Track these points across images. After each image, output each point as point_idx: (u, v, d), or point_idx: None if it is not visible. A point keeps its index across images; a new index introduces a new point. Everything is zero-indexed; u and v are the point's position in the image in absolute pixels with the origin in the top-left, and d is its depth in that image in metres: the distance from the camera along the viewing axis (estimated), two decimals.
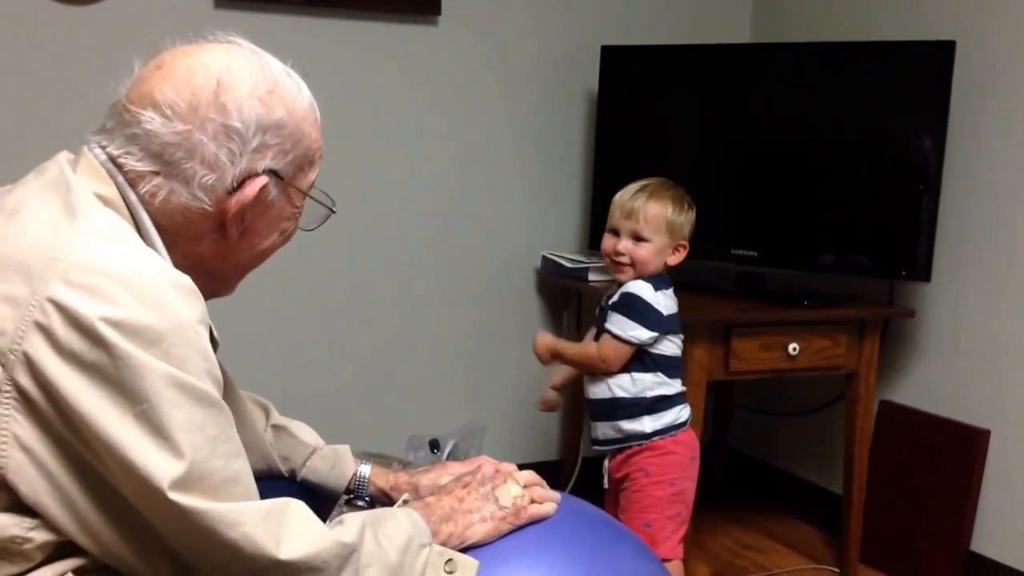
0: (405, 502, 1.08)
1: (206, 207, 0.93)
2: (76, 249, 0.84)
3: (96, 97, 2.26)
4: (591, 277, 2.40)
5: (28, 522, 0.85)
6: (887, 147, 2.18)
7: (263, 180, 0.94)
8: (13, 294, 0.82)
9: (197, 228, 0.94)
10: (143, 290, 0.83)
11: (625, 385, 1.79)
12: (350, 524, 0.95)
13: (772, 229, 2.32)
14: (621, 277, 1.80)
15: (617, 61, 2.46)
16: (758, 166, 2.34)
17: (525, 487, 1.10)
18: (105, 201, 0.91)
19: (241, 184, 0.93)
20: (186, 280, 0.88)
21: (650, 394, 1.78)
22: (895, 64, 2.16)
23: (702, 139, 2.42)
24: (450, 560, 0.98)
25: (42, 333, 0.81)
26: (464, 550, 1.02)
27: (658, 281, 1.79)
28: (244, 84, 0.93)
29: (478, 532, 1.03)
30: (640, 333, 1.75)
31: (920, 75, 2.13)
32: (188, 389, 0.84)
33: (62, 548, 0.87)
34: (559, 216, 2.62)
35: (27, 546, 0.85)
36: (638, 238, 1.78)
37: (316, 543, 0.89)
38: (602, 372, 1.79)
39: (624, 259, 1.79)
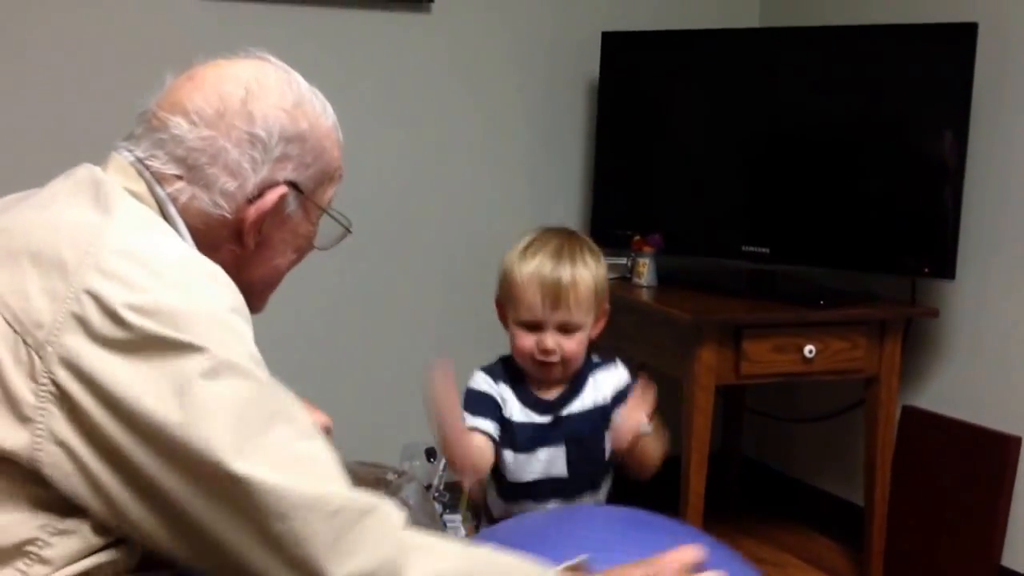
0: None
1: (225, 214, 0.96)
2: (110, 240, 0.87)
3: (80, 91, 2.24)
4: None
5: (55, 526, 0.84)
6: (906, 136, 2.12)
7: (283, 190, 0.98)
8: (50, 288, 0.84)
9: (215, 236, 0.97)
10: (174, 277, 0.86)
11: None
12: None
13: (785, 224, 2.25)
14: (549, 377, 1.43)
15: (618, 48, 2.41)
16: (768, 158, 2.28)
17: None
18: (135, 196, 0.94)
19: (261, 193, 0.97)
20: (218, 269, 0.91)
21: None
22: (913, 48, 2.10)
23: (709, 130, 2.36)
24: None
25: (79, 323, 0.82)
26: None
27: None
28: (271, 95, 0.98)
29: None
30: None
31: (940, 60, 2.06)
32: (224, 367, 0.83)
33: (82, 558, 0.86)
34: (559, 208, 2.57)
35: (46, 551, 0.84)
36: (566, 328, 1.39)
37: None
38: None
39: (554, 358, 1.40)
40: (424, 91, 2.39)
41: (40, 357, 0.82)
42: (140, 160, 0.96)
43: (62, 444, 0.82)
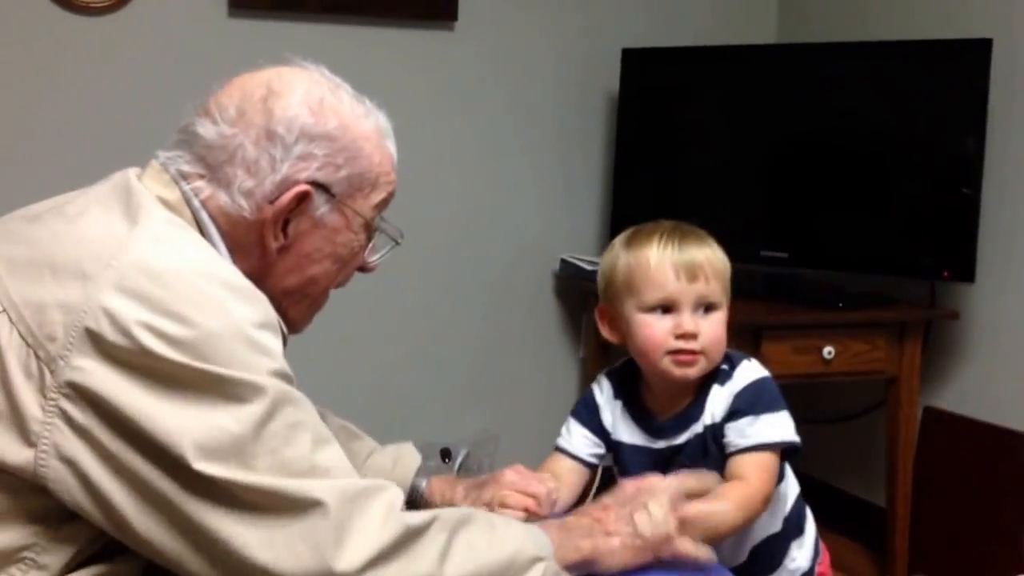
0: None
1: (245, 215, 0.93)
2: (132, 255, 0.84)
3: (112, 105, 2.29)
4: None
5: (52, 533, 0.84)
6: (924, 145, 2.13)
7: (303, 188, 0.93)
8: (67, 300, 0.82)
9: (242, 238, 0.94)
10: (196, 295, 0.83)
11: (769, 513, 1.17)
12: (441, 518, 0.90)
13: (803, 229, 2.27)
14: (689, 373, 1.15)
15: (638, 63, 2.45)
16: (786, 170, 2.31)
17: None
18: (169, 205, 0.92)
19: (281, 194, 0.93)
20: (244, 282, 0.88)
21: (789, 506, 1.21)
22: (929, 63, 2.13)
23: (726, 143, 2.38)
24: None
25: (91, 339, 0.80)
26: None
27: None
28: (295, 93, 0.94)
29: (617, 557, 0.97)
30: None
31: (956, 74, 2.09)
32: (243, 390, 0.82)
33: (81, 564, 0.86)
34: (578, 219, 2.60)
35: (43, 557, 0.84)
36: (707, 306, 1.15)
37: (379, 537, 0.84)
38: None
39: (695, 344, 1.14)
40: (446, 107, 2.42)
41: (51, 372, 0.81)
42: (167, 160, 0.95)
43: (67, 460, 0.81)
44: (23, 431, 0.80)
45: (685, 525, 1.01)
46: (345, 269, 1.02)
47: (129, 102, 2.14)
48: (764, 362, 2.05)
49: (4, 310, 0.84)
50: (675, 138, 2.44)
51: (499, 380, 2.56)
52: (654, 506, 0.99)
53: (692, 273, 1.13)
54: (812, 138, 2.26)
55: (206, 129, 0.93)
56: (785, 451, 1.14)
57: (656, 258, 1.15)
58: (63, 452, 0.80)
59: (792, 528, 1.21)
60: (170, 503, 0.81)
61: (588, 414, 1.24)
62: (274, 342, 0.86)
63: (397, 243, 1.05)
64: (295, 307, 1.01)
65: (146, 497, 0.81)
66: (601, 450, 1.23)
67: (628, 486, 1.03)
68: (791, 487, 1.22)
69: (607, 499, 1.02)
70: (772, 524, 1.18)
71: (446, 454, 2.34)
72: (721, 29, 2.62)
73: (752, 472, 1.09)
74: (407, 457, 1.21)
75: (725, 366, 1.17)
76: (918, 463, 2.21)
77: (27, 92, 2.08)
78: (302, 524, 0.81)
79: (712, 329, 1.14)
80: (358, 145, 0.97)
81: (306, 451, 0.84)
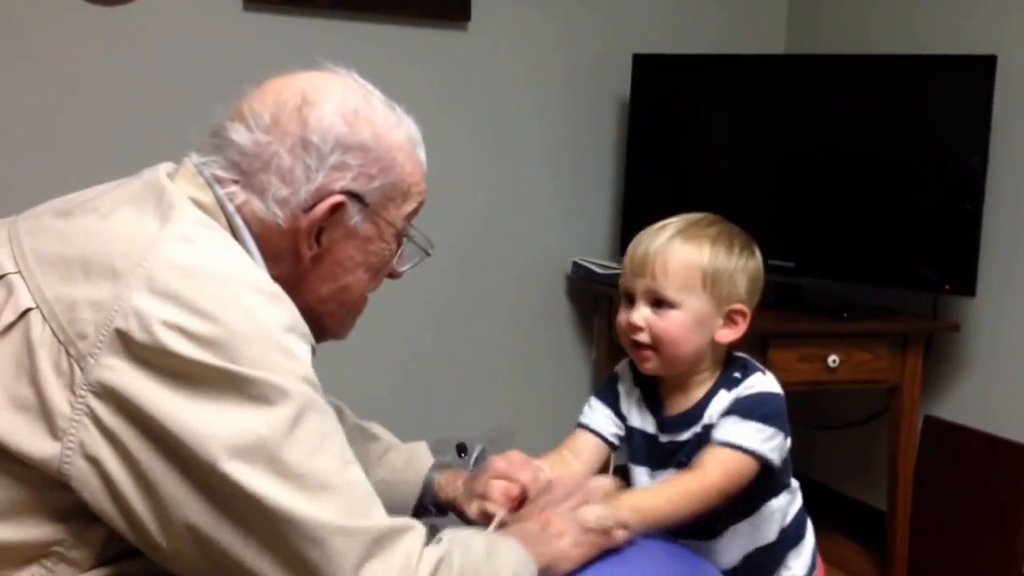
0: (502, 524, 1.02)
1: (279, 222, 0.92)
2: (162, 253, 0.84)
3: (126, 96, 2.26)
4: None
5: (81, 531, 0.83)
6: (928, 159, 2.15)
7: (337, 199, 0.93)
8: (98, 298, 0.82)
9: (275, 245, 0.94)
10: (225, 296, 0.82)
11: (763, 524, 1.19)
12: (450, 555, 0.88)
13: (810, 240, 2.29)
14: (646, 367, 1.16)
15: (649, 69, 2.45)
16: (794, 179, 2.32)
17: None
18: (203, 208, 0.91)
19: (317, 203, 0.93)
20: (273, 286, 0.87)
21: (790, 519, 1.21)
22: (934, 78, 2.15)
23: (736, 149, 2.40)
24: None
25: (121, 340, 0.80)
26: None
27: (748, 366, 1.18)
28: (330, 101, 0.94)
29: (571, 555, 0.98)
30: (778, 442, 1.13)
31: (961, 89, 2.11)
32: (270, 393, 0.81)
33: (108, 560, 0.86)
34: (590, 222, 2.61)
35: (72, 552, 0.84)
36: (658, 302, 1.13)
37: None
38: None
39: (643, 336, 1.13)
40: (458, 107, 2.41)
41: (81, 369, 0.80)
42: (201, 164, 0.94)
43: (92, 459, 0.80)
44: (51, 426, 0.80)
45: (620, 515, 1.02)
46: (376, 277, 1.02)
47: (143, 93, 2.11)
48: (771, 369, 2.08)
49: (36, 306, 0.83)
50: (685, 144, 2.45)
51: (513, 379, 2.56)
52: (597, 500, 1.01)
53: (641, 266, 1.13)
54: (818, 148, 2.28)
55: (240, 135, 0.93)
56: (768, 468, 1.11)
57: (631, 247, 1.16)
58: (88, 451, 0.80)
59: (789, 540, 1.21)
60: (188, 509, 0.80)
61: (611, 396, 1.24)
62: (302, 348, 0.86)
63: (428, 254, 1.05)
64: (331, 316, 1.01)
65: (165, 502, 0.80)
66: (621, 432, 1.23)
67: (559, 486, 1.05)
68: (794, 503, 1.22)
69: (542, 502, 1.03)
70: (767, 533, 1.19)
71: (462, 449, 2.33)
72: (731, 38, 2.64)
73: (711, 465, 1.08)
74: (420, 456, 1.23)
75: (737, 373, 1.16)
76: (918, 469, 2.24)
77: (41, 82, 2.05)
78: (321, 551, 0.80)
79: (661, 326, 1.12)
80: (391, 155, 0.97)
81: (333, 465, 0.83)
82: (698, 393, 1.16)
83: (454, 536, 0.90)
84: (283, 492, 0.79)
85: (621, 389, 1.24)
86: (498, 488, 1.10)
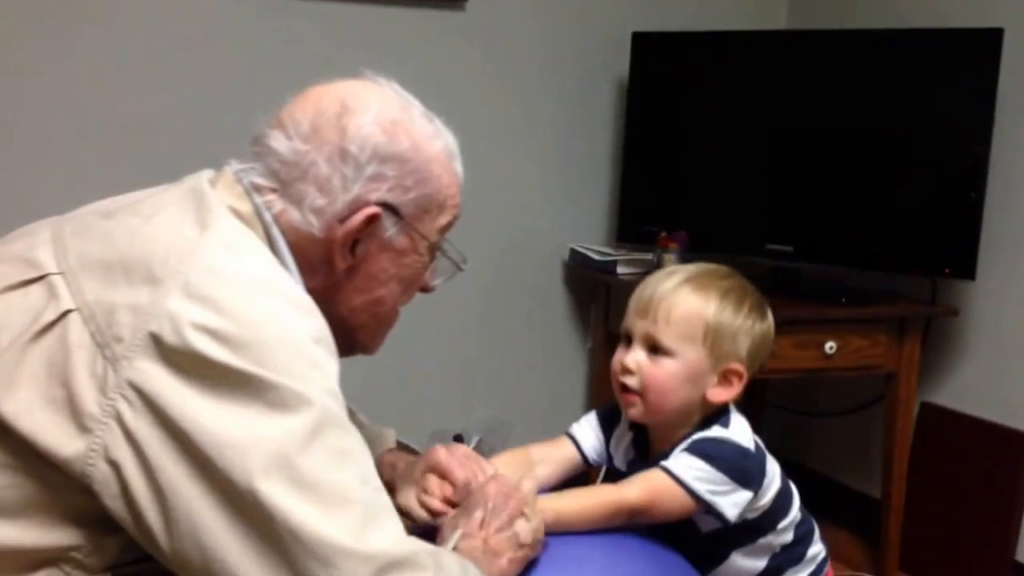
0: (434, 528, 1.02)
1: (315, 232, 0.93)
2: (200, 259, 0.85)
3: (121, 90, 2.20)
4: (620, 270, 2.37)
5: (99, 539, 0.84)
6: (930, 139, 2.12)
7: (373, 210, 0.93)
8: (136, 303, 0.83)
9: (311, 255, 0.94)
10: (257, 303, 0.83)
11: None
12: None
13: (808, 223, 2.27)
14: (630, 412, 1.13)
15: (648, 47, 2.43)
16: (794, 158, 2.29)
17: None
18: (241, 217, 0.92)
19: (352, 213, 0.93)
20: (305, 298, 0.88)
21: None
22: (939, 53, 2.11)
23: (735, 129, 2.37)
24: None
25: (154, 343, 0.81)
26: None
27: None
28: (368, 112, 0.94)
29: (507, 574, 0.97)
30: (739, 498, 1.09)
31: (966, 64, 2.07)
32: (296, 402, 0.81)
33: (121, 564, 0.86)
34: (588, 208, 2.59)
35: (89, 559, 0.84)
36: (655, 348, 1.11)
37: None
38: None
39: (632, 380, 1.11)
40: (456, 88, 2.39)
41: (114, 371, 0.81)
42: (240, 172, 0.94)
43: (113, 463, 0.80)
44: (78, 426, 0.81)
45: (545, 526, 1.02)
46: (409, 290, 1.02)
47: (140, 80, 2.10)
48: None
49: (77, 308, 0.84)
50: (685, 124, 2.42)
51: (509, 368, 2.55)
52: (529, 512, 0.99)
53: (644, 309, 1.10)
54: (820, 128, 2.25)
55: (279, 143, 0.93)
56: (720, 517, 1.08)
57: (639, 288, 1.13)
58: (111, 454, 0.80)
59: (785, 564, 1.18)
60: (198, 512, 0.80)
61: (608, 426, 1.22)
62: (328, 361, 0.86)
63: (460, 268, 1.05)
64: (362, 329, 1.01)
65: (176, 506, 0.80)
66: (602, 458, 1.22)
67: (489, 488, 1.01)
68: (783, 536, 1.18)
69: (477, 511, 0.99)
70: (755, 564, 1.17)
71: (459, 439, 2.35)
72: (732, 14, 2.61)
73: (635, 481, 1.07)
74: (383, 440, 1.23)
75: (714, 424, 1.12)
76: (913, 457, 2.24)
77: (71, 79, 2.04)
78: (326, 572, 0.79)
79: (651, 372, 1.09)
80: (428, 167, 0.96)
81: (350, 482, 0.82)
82: (678, 437, 1.13)
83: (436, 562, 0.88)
84: (297, 504, 0.79)
85: (617, 428, 1.22)
86: (434, 482, 1.09)
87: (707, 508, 1.08)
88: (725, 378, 1.11)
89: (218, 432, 0.79)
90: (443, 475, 1.08)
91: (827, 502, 2.55)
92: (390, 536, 0.83)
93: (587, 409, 2.65)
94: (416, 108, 0.99)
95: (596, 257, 2.43)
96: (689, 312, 1.09)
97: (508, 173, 2.49)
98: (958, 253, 2.08)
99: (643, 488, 1.07)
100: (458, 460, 1.09)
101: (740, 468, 1.09)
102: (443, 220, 1.00)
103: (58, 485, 0.82)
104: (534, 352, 2.57)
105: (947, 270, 2.10)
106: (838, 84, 2.22)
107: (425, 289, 1.06)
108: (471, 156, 2.71)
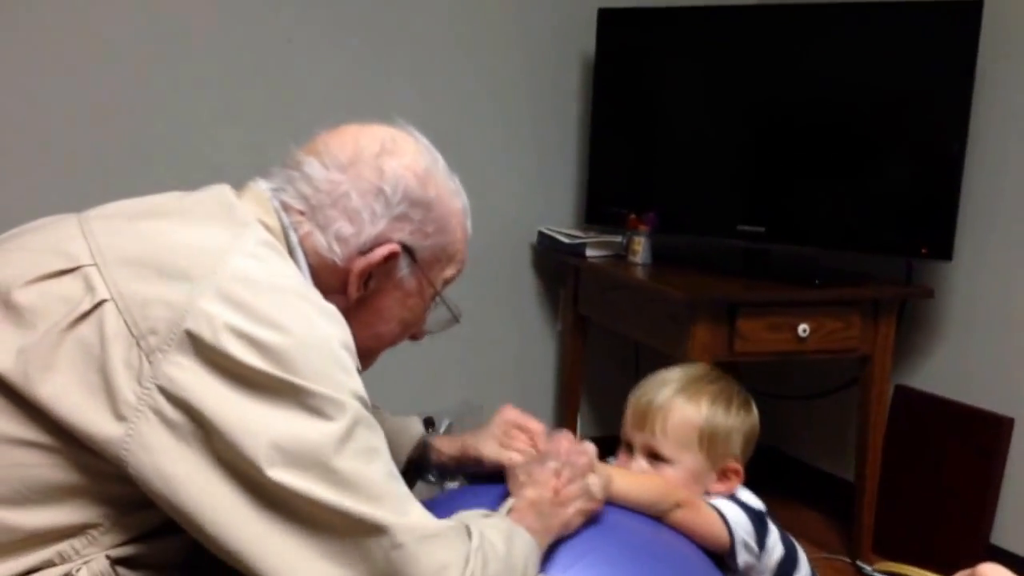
0: (510, 511, 1.05)
1: (336, 260, 0.98)
2: (232, 266, 0.88)
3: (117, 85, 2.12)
4: (589, 253, 2.35)
5: (118, 518, 0.87)
6: (907, 116, 2.09)
7: (393, 247, 0.99)
8: (171, 298, 0.86)
9: (326, 280, 0.99)
10: (290, 309, 0.87)
11: None
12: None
13: (781, 204, 2.24)
14: None
15: (614, 24, 2.39)
16: (766, 137, 2.26)
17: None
18: (269, 230, 0.97)
19: (374, 247, 0.99)
20: (330, 306, 0.92)
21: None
22: (916, 26, 2.07)
23: (705, 108, 2.33)
24: None
25: (191, 340, 0.84)
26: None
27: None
28: (405, 157, 1.01)
29: (574, 524, 1.05)
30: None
31: (943, 38, 2.04)
32: (325, 405, 0.85)
33: (132, 540, 0.89)
34: (555, 190, 2.56)
35: (104, 537, 0.87)
36: (654, 456, 1.20)
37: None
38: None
39: None
40: (413, 68, 2.35)
41: (150, 363, 0.84)
42: (270, 190, 0.99)
43: (147, 450, 0.84)
44: (115, 411, 0.84)
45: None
46: (404, 333, 1.08)
47: (129, 74, 2.08)
48: (738, 339, 2.04)
49: (112, 299, 0.87)
50: (652, 103, 2.38)
51: (478, 351, 2.53)
52: (600, 469, 1.07)
53: (641, 420, 1.20)
54: (793, 106, 2.22)
55: (314, 170, 0.98)
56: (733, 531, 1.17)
57: (634, 397, 1.23)
58: (145, 441, 0.84)
59: None
60: (234, 510, 0.84)
61: None
62: (349, 363, 0.90)
63: (457, 321, 1.11)
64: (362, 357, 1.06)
65: (213, 501, 0.84)
66: None
67: (563, 442, 1.09)
68: (768, 560, 1.23)
69: (550, 460, 1.06)
70: None
71: (429, 423, 2.34)
72: None
73: (689, 490, 1.18)
74: (410, 428, 1.30)
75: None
76: (888, 441, 2.22)
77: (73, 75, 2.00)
78: (361, 550, 0.84)
79: None
80: (448, 219, 1.04)
81: (381, 478, 0.87)
82: None
83: (477, 530, 0.94)
84: (334, 495, 0.83)
85: None
86: (515, 431, 1.19)
87: (730, 550, 1.16)
88: (724, 475, 1.22)
89: (247, 425, 0.83)
90: (521, 428, 1.19)
91: (801, 485, 2.56)
92: (425, 514, 0.90)
93: (557, 391, 2.63)
94: (442, 164, 1.05)
95: (565, 240, 2.39)
96: (683, 420, 1.19)
97: (473, 155, 2.44)
98: (935, 233, 2.05)
99: (692, 495, 1.16)
100: (521, 414, 1.21)
101: (760, 522, 1.20)
102: (449, 272, 1.08)
103: (93, 470, 0.85)
104: (504, 335, 2.55)
105: (924, 250, 2.07)
106: (811, 60, 2.18)
107: (416, 336, 1.12)
108: (433, 139, 2.63)
